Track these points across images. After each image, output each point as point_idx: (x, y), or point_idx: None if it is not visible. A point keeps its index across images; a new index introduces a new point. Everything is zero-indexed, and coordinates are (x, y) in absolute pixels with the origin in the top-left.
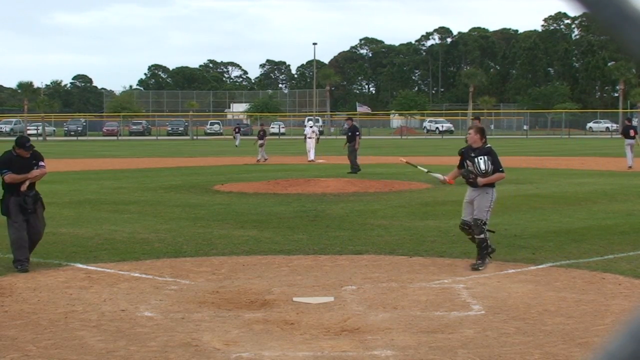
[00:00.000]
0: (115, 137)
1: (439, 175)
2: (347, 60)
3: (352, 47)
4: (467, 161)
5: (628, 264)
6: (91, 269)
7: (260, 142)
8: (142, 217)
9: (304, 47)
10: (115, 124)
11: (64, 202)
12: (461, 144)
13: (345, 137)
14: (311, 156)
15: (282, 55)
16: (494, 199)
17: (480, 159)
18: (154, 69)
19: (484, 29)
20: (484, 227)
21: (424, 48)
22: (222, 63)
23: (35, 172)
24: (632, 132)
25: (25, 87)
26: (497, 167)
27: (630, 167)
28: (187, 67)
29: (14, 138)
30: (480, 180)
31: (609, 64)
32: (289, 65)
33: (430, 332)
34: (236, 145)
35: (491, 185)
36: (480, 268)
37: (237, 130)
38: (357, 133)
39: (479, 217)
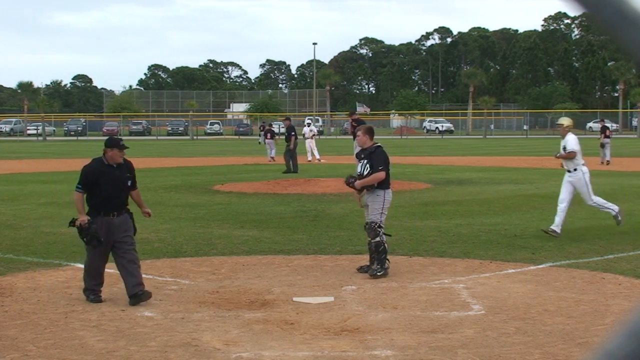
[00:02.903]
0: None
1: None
2: (347, 60)
3: (352, 47)
4: (358, 163)
5: (628, 264)
6: None
7: (271, 141)
8: (142, 217)
9: (304, 47)
10: (115, 124)
11: (64, 202)
12: (461, 143)
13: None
14: (310, 156)
15: (282, 55)
16: (387, 201)
17: (360, 163)
18: (154, 69)
19: (484, 29)
20: (379, 230)
21: (424, 48)
22: (222, 63)
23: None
24: (607, 132)
25: (25, 87)
26: (376, 167)
27: (608, 162)
28: (187, 67)
29: (14, 138)
30: (356, 182)
31: (609, 64)
32: (289, 65)
33: (430, 332)
34: (259, 143)
35: (382, 187)
36: (379, 274)
37: (262, 128)
38: (292, 133)
39: (372, 220)
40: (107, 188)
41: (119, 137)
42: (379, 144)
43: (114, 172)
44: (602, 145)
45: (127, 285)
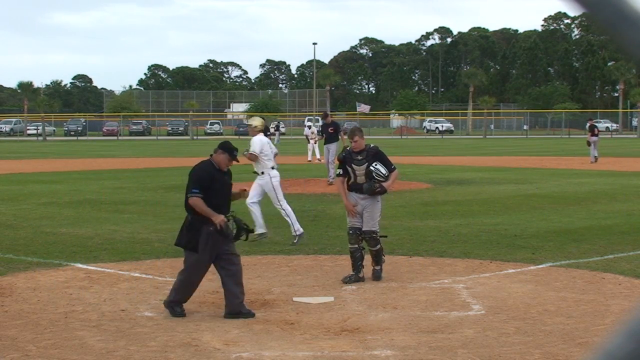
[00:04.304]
0: (115, 137)
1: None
2: (347, 60)
3: (352, 47)
4: (353, 165)
5: (628, 264)
6: (91, 269)
7: None
8: (142, 217)
9: (304, 47)
10: (115, 124)
11: (64, 202)
12: (461, 143)
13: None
14: (310, 156)
15: (282, 55)
16: (381, 205)
17: (377, 164)
18: (154, 69)
19: (484, 29)
20: (378, 238)
21: (424, 48)
22: (222, 63)
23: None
24: (596, 131)
25: (25, 87)
26: (390, 166)
27: (596, 158)
28: (187, 67)
29: (14, 138)
30: (387, 186)
31: (609, 64)
32: (289, 65)
33: (430, 332)
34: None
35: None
36: (381, 275)
37: (276, 128)
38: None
39: (374, 229)
40: (219, 194)
41: (236, 147)
42: (374, 145)
43: (224, 177)
44: (589, 144)
45: (229, 299)
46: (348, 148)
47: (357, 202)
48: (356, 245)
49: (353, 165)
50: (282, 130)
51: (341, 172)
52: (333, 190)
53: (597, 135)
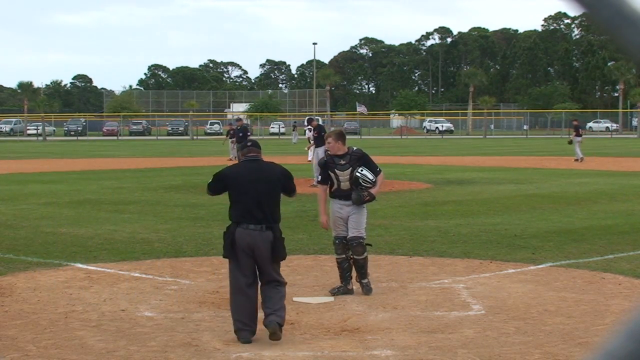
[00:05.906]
0: (115, 137)
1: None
2: (347, 60)
3: (352, 47)
4: (336, 171)
5: (628, 264)
6: (91, 269)
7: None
8: (142, 217)
9: (304, 47)
10: (115, 124)
11: (64, 202)
12: (461, 143)
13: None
14: (310, 157)
15: (282, 55)
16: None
17: (362, 169)
18: (154, 69)
19: (484, 28)
20: (364, 245)
21: (424, 48)
22: (222, 63)
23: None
24: (580, 131)
25: (25, 87)
26: (375, 169)
27: (580, 159)
28: (187, 67)
29: (14, 138)
30: (375, 192)
31: (609, 64)
32: (289, 65)
33: (430, 332)
34: (294, 143)
35: None
36: (371, 287)
37: (294, 128)
38: (249, 133)
39: (361, 235)
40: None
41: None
42: (357, 147)
43: None
44: (571, 142)
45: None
46: (327, 151)
47: (341, 209)
48: (343, 256)
49: (336, 171)
50: (283, 130)
51: (320, 179)
52: None
53: (580, 136)
